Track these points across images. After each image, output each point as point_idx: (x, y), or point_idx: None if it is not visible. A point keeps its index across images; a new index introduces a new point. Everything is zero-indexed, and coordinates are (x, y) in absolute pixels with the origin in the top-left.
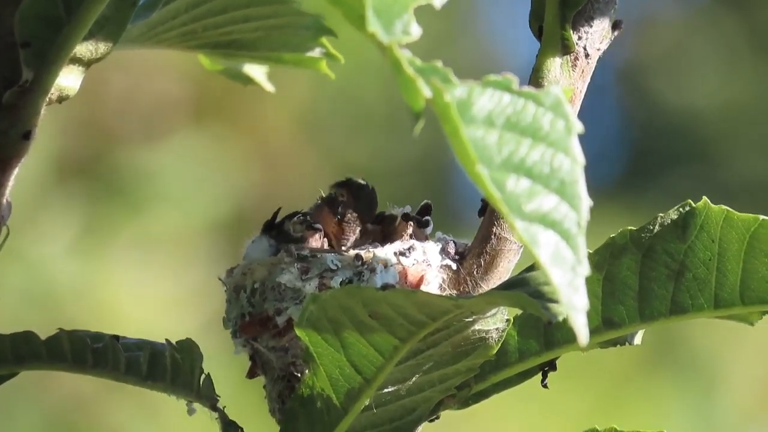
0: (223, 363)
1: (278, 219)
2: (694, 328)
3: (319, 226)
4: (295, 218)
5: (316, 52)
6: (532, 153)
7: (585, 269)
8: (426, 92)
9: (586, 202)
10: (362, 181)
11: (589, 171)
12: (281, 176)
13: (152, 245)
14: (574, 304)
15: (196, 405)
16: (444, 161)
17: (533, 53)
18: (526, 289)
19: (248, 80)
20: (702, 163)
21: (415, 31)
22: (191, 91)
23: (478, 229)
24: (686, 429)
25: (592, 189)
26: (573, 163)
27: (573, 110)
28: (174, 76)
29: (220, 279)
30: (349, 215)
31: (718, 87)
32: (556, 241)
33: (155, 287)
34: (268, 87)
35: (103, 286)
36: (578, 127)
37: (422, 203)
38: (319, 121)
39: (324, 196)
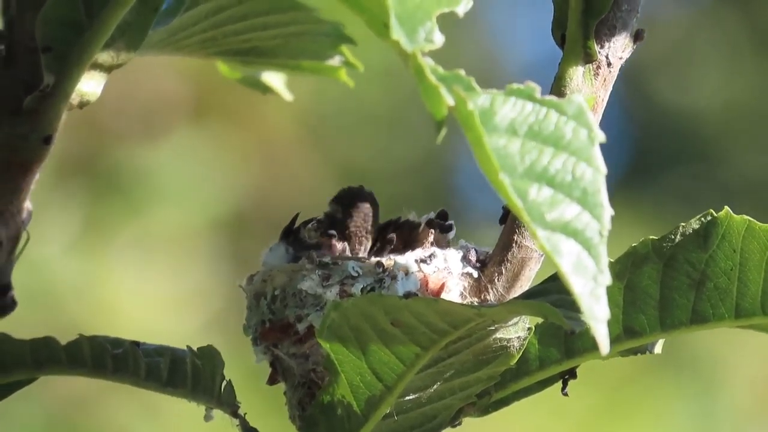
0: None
1: (295, 225)
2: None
3: (333, 232)
4: (310, 225)
5: (335, 60)
6: (554, 162)
7: (606, 279)
8: (449, 100)
9: (608, 211)
10: (356, 188)
11: None
12: (282, 175)
13: (152, 244)
14: (595, 314)
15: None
16: (446, 163)
17: (534, 54)
18: (549, 298)
19: (266, 88)
20: (703, 163)
21: (438, 38)
22: (191, 90)
23: (499, 236)
24: (687, 429)
25: None
26: (595, 172)
27: (595, 119)
28: (173, 75)
29: (240, 286)
30: (351, 230)
31: (720, 86)
32: (577, 250)
33: (155, 286)
34: (287, 96)
35: (102, 285)
36: (601, 136)
37: (439, 210)
38: (320, 120)
39: (324, 215)
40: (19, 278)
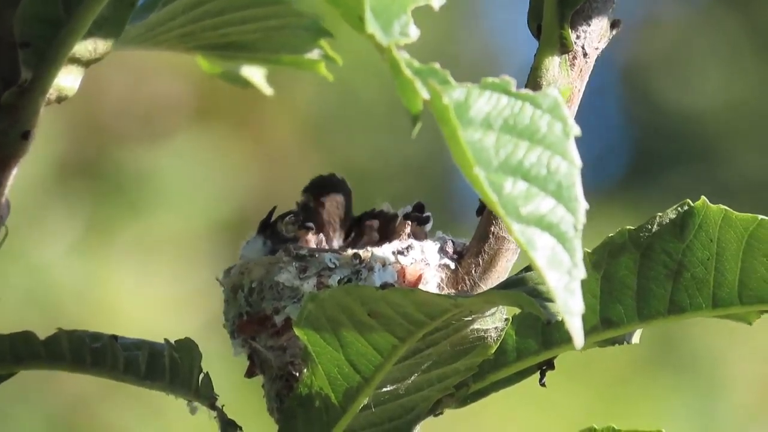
0: (224, 364)
1: (272, 219)
2: (694, 327)
3: (311, 225)
4: (287, 218)
5: (314, 54)
6: (529, 155)
7: (581, 272)
8: (424, 94)
9: (582, 205)
10: (327, 176)
11: (591, 171)
12: (283, 177)
13: (153, 246)
14: (569, 307)
15: (197, 405)
16: (445, 162)
17: (533, 52)
18: (525, 288)
19: (246, 83)
20: (703, 163)
21: (413, 32)
22: (192, 91)
23: (476, 228)
24: (685, 429)
25: (594, 188)
26: (570, 165)
27: (571, 111)
28: (175, 76)
29: (217, 279)
30: (324, 218)
31: (720, 87)
32: (552, 244)
33: (156, 288)
34: (267, 90)
35: (104, 286)
36: (576, 129)
37: (415, 203)
38: (321, 121)
39: (296, 205)
40: (21, 279)
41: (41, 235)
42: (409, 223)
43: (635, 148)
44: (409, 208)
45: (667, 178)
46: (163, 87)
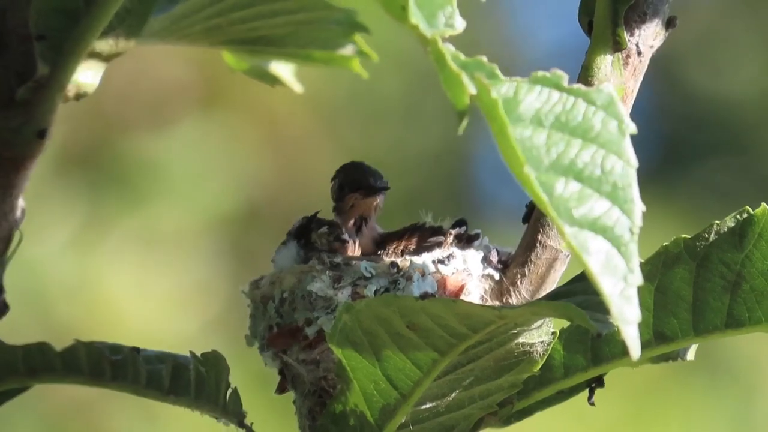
0: None
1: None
2: None
3: (347, 237)
4: (321, 230)
5: (348, 50)
6: (582, 154)
7: (637, 279)
8: (471, 89)
9: (639, 207)
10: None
11: None
12: (294, 168)
13: (157, 240)
14: (625, 316)
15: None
16: (462, 153)
17: (555, 40)
18: (574, 299)
19: (275, 80)
20: (738, 155)
21: (459, 23)
22: (199, 77)
23: (522, 236)
24: None
25: None
26: (626, 165)
27: (625, 110)
28: (181, 61)
29: (243, 292)
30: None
31: (756, 74)
32: (607, 248)
33: (159, 284)
34: (297, 87)
35: (104, 281)
36: (632, 127)
37: (456, 219)
38: (333, 109)
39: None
40: (16, 274)
41: (38, 228)
42: (452, 233)
43: (665, 139)
44: (462, 230)
45: (700, 171)
46: (169, 73)
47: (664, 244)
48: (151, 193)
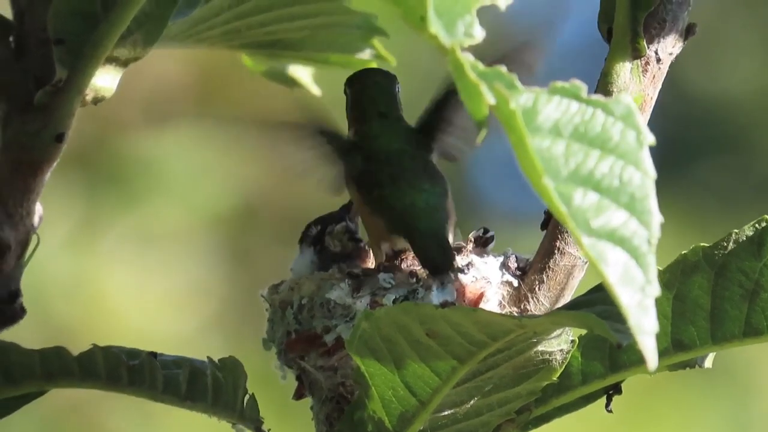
0: None
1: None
2: None
3: (360, 238)
4: (337, 227)
5: (366, 54)
6: (600, 165)
7: (655, 290)
8: (489, 99)
9: (657, 218)
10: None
11: None
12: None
13: (154, 239)
14: (642, 326)
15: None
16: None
17: (566, 44)
18: (594, 309)
19: (293, 82)
20: (737, 154)
21: (479, 33)
22: (196, 74)
23: (540, 242)
24: None
25: None
26: (644, 176)
27: (644, 119)
28: (178, 59)
29: (262, 296)
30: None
31: (754, 74)
32: (625, 259)
33: (156, 284)
34: (315, 90)
35: (101, 280)
36: (650, 138)
37: (480, 228)
38: (332, 110)
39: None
40: None
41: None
42: (472, 240)
43: (663, 138)
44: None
45: (698, 170)
46: (167, 72)
47: (682, 252)
48: (148, 192)
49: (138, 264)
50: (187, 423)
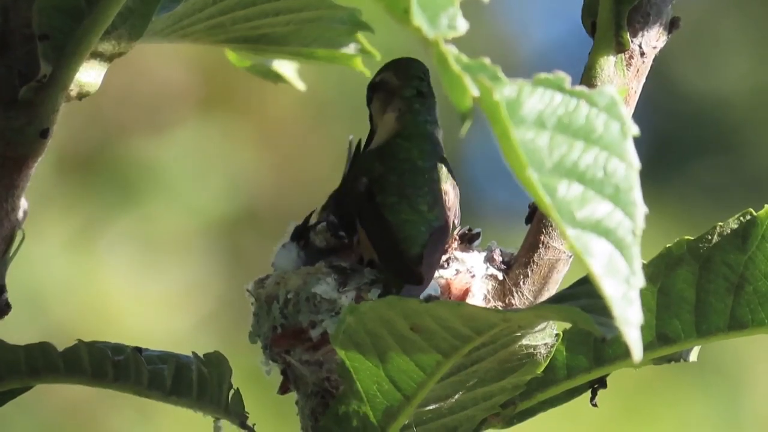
0: None
1: (303, 223)
2: None
3: (343, 234)
4: (319, 227)
5: (350, 48)
6: (584, 157)
7: (640, 281)
8: (473, 91)
9: (642, 209)
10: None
11: None
12: (294, 169)
13: (155, 240)
14: (627, 318)
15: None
16: (452, 148)
17: (549, 37)
18: (578, 302)
19: (278, 77)
20: (729, 153)
21: (462, 25)
22: (197, 79)
23: (524, 237)
24: None
25: None
26: (628, 167)
27: (628, 112)
28: (181, 63)
29: (248, 290)
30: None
31: (746, 71)
32: (609, 250)
33: (156, 285)
34: (299, 85)
35: (101, 282)
36: (634, 129)
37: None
38: (332, 111)
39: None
40: (10, 275)
41: (36, 231)
42: (457, 238)
43: (655, 137)
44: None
45: (690, 169)
46: (168, 74)
47: (667, 245)
48: (148, 194)
49: (138, 265)
50: (188, 423)
